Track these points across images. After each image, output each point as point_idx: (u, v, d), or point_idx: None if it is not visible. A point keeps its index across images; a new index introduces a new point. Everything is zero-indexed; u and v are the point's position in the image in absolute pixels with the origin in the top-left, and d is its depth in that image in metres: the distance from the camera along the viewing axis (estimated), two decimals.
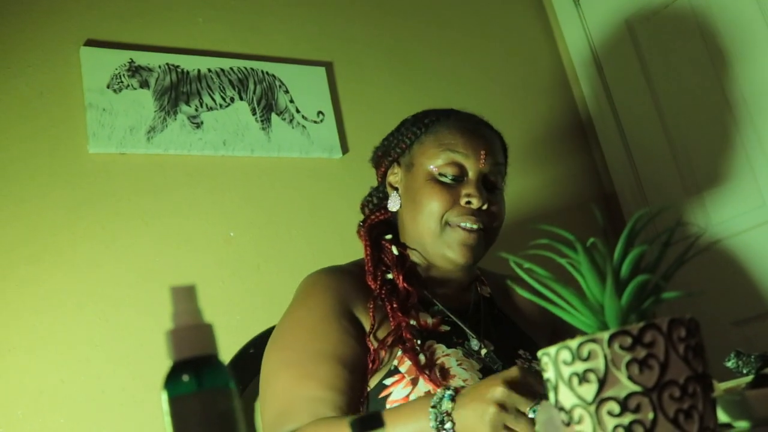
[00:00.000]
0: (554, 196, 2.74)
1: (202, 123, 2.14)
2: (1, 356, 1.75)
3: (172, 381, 0.70)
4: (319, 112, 2.33)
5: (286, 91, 2.30)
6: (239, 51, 2.30)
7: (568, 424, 0.75)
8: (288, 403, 1.40)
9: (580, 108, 2.94)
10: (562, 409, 0.75)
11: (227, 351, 1.70)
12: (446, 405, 1.23)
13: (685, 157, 2.62)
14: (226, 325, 1.99)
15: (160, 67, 2.13)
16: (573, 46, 2.93)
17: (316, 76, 2.38)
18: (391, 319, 1.49)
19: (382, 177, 1.73)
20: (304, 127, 2.29)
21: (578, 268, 0.80)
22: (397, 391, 1.42)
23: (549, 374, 0.77)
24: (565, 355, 0.74)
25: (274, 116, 2.25)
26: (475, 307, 1.66)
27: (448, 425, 1.20)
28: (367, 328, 1.49)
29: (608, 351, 0.72)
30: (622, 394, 0.71)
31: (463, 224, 1.55)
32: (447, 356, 1.46)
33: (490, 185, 1.61)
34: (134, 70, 2.09)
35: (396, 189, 1.68)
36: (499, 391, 1.15)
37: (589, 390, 0.72)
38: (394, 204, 1.67)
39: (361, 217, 1.75)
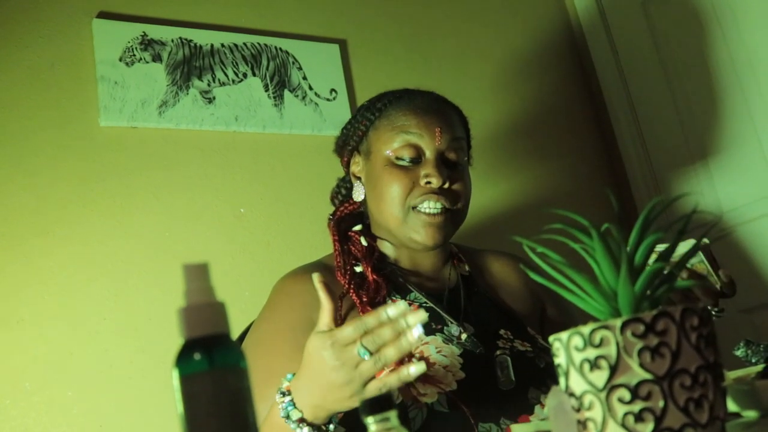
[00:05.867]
0: (564, 181, 2.73)
1: (214, 98, 2.13)
2: (10, 328, 1.76)
3: (183, 359, 0.70)
4: (332, 90, 2.32)
5: (300, 68, 2.29)
6: (253, 26, 2.29)
7: (578, 410, 0.75)
8: None
9: (593, 89, 2.93)
10: (572, 395, 0.75)
11: (236, 327, 1.71)
12: (285, 384, 1.23)
13: (698, 145, 2.61)
14: (235, 300, 1.99)
15: (173, 41, 2.12)
16: (586, 23, 2.91)
17: (330, 54, 2.37)
18: (360, 314, 1.46)
19: (346, 167, 1.72)
20: (316, 104, 2.28)
21: (592, 254, 0.79)
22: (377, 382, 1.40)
23: (560, 360, 0.77)
24: (577, 341, 0.74)
25: (286, 93, 2.24)
26: (452, 289, 1.63)
27: (288, 405, 1.20)
28: None
29: (620, 338, 0.72)
30: (633, 382, 0.71)
31: (425, 208, 1.52)
32: (426, 344, 1.43)
33: (450, 163, 1.58)
34: (147, 43, 2.08)
35: (359, 178, 1.66)
36: (319, 338, 1.15)
37: (600, 377, 0.72)
38: (358, 194, 1.65)
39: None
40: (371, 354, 1.11)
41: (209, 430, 0.68)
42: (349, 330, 1.13)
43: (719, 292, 1.30)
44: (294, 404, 1.20)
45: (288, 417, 1.20)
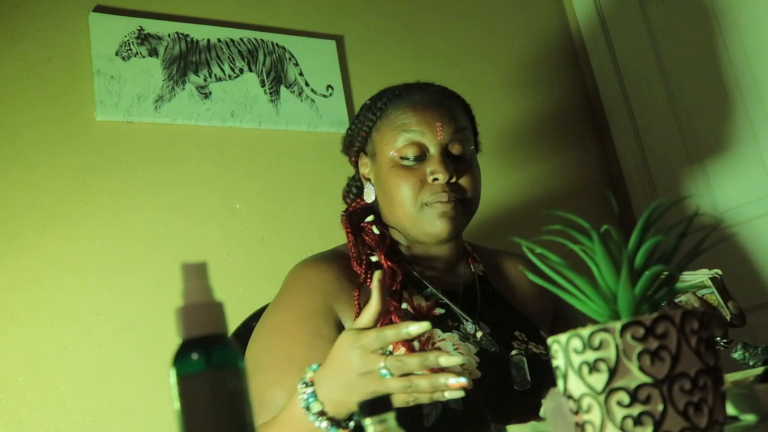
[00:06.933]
0: (561, 182, 2.72)
1: (210, 93, 2.12)
2: (4, 322, 1.76)
3: (181, 359, 0.70)
4: (329, 86, 2.31)
5: (296, 64, 2.28)
6: (250, 22, 2.28)
7: (576, 413, 0.74)
8: (257, 405, 1.37)
9: (590, 89, 2.92)
10: (570, 397, 0.75)
11: (230, 323, 1.70)
12: (309, 375, 1.22)
13: (695, 146, 2.61)
14: (230, 296, 1.98)
15: (169, 35, 2.11)
16: (584, 24, 2.91)
17: (327, 50, 2.36)
18: None
19: (355, 166, 1.71)
20: (312, 100, 2.27)
21: (592, 256, 0.79)
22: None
23: (559, 362, 0.76)
24: (576, 343, 0.74)
25: (283, 89, 2.24)
26: (466, 286, 1.63)
27: (309, 396, 1.19)
28: (352, 320, 1.47)
29: (620, 341, 0.71)
30: (633, 385, 0.71)
31: (437, 201, 1.52)
32: (443, 341, 1.42)
33: (455, 156, 1.56)
34: (143, 38, 2.07)
35: (368, 179, 1.66)
36: (352, 338, 1.15)
37: (599, 379, 0.72)
38: (369, 195, 1.65)
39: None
40: (392, 375, 1.12)
41: (206, 431, 0.67)
42: (370, 338, 1.13)
43: (729, 323, 1.34)
44: (315, 396, 1.19)
45: (308, 408, 1.19)
